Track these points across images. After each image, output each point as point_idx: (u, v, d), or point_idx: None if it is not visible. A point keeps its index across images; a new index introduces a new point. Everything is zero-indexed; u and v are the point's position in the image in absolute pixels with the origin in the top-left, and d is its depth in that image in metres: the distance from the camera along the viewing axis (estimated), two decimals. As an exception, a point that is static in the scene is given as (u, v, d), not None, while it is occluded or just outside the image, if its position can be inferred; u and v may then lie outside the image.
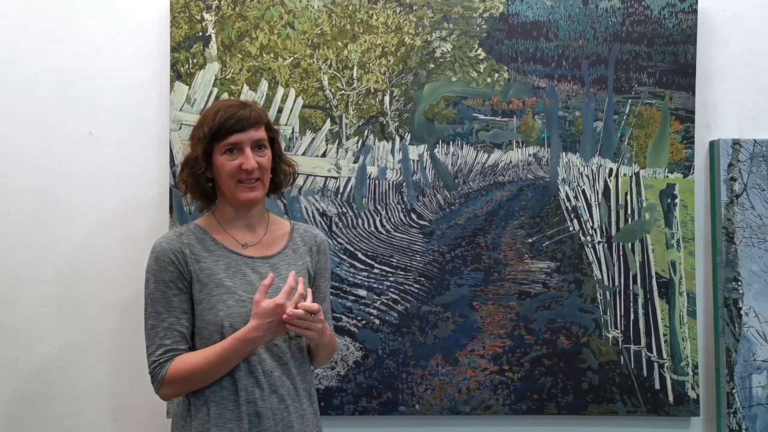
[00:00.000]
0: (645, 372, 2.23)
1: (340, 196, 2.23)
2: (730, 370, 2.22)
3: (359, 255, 2.23)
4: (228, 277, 1.70)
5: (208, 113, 1.72)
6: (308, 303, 1.62)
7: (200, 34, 2.20)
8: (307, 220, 2.21)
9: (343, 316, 2.21)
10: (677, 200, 2.25)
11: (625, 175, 2.26)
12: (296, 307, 1.60)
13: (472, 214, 2.26)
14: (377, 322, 2.22)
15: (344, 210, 2.23)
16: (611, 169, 2.26)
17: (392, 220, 2.25)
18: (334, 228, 2.23)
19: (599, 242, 2.25)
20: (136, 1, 2.23)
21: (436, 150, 2.25)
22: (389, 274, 2.23)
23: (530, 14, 2.25)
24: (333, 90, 2.23)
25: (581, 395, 2.23)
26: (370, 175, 2.24)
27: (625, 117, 2.26)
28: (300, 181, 2.21)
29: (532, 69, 2.26)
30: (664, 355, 2.23)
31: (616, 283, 2.25)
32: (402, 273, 2.23)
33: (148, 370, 1.68)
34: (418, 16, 2.24)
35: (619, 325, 2.24)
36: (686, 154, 2.26)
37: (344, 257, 2.23)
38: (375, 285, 2.23)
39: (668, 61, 2.26)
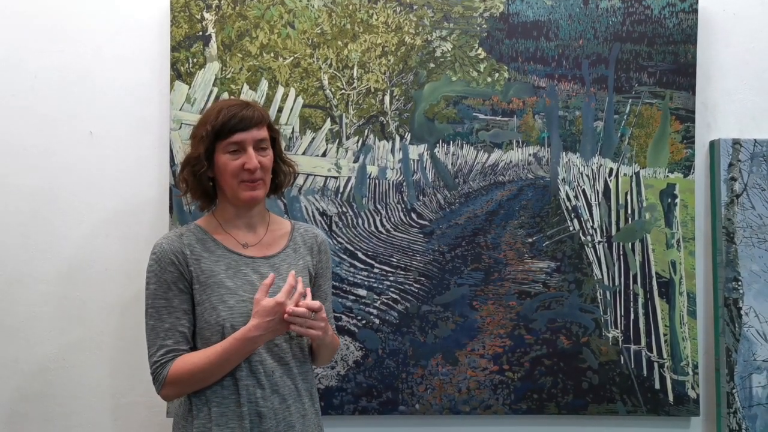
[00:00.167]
0: (645, 372, 2.23)
1: (340, 195, 2.23)
2: (730, 370, 2.22)
3: (359, 254, 2.23)
4: (229, 278, 1.70)
5: (211, 112, 1.71)
6: (309, 301, 1.62)
7: (200, 33, 2.19)
8: (307, 220, 2.21)
9: (343, 316, 2.21)
10: (677, 200, 2.25)
11: (625, 174, 2.26)
12: (297, 305, 1.60)
13: (472, 213, 2.26)
14: (377, 321, 2.22)
15: (344, 209, 2.23)
16: (611, 169, 2.26)
17: (392, 219, 2.25)
18: (334, 227, 2.23)
19: (599, 242, 2.25)
20: (136, 0, 2.23)
21: (436, 149, 2.25)
22: (389, 274, 2.23)
23: (530, 14, 2.25)
24: (333, 89, 2.23)
25: (581, 395, 2.23)
26: (370, 174, 2.24)
27: (625, 117, 2.26)
28: (300, 180, 2.21)
29: (533, 69, 2.26)
30: (664, 355, 2.23)
31: (616, 283, 2.25)
32: (402, 272, 2.23)
33: (149, 371, 1.68)
34: (419, 15, 2.24)
35: (619, 325, 2.24)
36: (686, 154, 2.26)
37: (344, 257, 2.23)
38: (375, 284, 2.23)
39: (668, 60, 2.26)
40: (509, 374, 2.23)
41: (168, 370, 1.65)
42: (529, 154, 2.26)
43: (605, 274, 2.25)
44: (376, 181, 2.24)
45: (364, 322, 2.22)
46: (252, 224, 1.79)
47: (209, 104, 2.17)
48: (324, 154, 2.23)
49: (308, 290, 1.66)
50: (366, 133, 2.23)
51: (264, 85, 2.21)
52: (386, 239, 2.24)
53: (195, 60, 2.19)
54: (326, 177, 2.23)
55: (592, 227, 2.26)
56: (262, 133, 1.72)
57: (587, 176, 2.26)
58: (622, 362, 2.23)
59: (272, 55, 2.21)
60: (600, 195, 2.26)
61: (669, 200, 2.25)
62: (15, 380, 2.21)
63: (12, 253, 2.21)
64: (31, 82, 2.21)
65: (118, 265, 2.21)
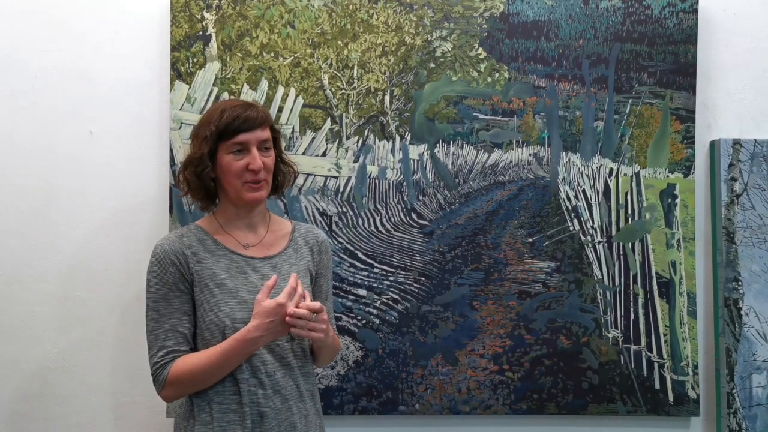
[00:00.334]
0: (645, 372, 2.23)
1: (340, 195, 2.23)
2: (730, 370, 2.22)
3: (359, 254, 2.23)
4: (229, 278, 1.70)
5: (213, 113, 1.71)
6: (310, 302, 1.62)
7: (200, 33, 2.19)
8: (307, 220, 2.21)
9: (343, 316, 2.21)
10: (677, 200, 2.25)
11: (625, 174, 2.26)
12: (298, 307, 1.60)
13: (473, 213, 2.26)
14: (377, 321, 2.22)
15: (344, 209, 2.23)
16: (611, 169, 2.26)
17: (392, 219, 2.24)
18: (334, 227, 2.23)
19: (599, 242, 2.25)
20: (136, 0, 2.22)
21: (436, 149, 2.25)
22: (389, 274, 2.23)
23: (531, 14, 2.25)
24: (333, 89, 2.23)
25: (581, 395, 2.23)
26: (371, 174, 2.24)
27: (625, 117, 2.26)
28: (300, 180, 2.20)
29: (533, 68, 2.26)
30: (664, 355, 2.23)
31: (617, 283, 2.25)
32: (402, 272, 2.23)
33: (150, 372, 1.68)
34: (419, 15, 2.24)
35: (619, 325, 2.24)
36: (687, 154, 2.26)
37: (344, 257, 2.23)
38: (375, 284, 2.23)
39: (669, 60, 2.26)
40: (509, 374, 2.23)
41: (168, 371, 1.65)
42: (529, 154, 2.26)
43: (605, 274, 2.25)
44: (376, 181, 2.24)
45: (364, 322, 2.22)
46: (253, 224, 1.78)
47: (209, 104, 2.17)
48: (324, 154, 2.23)
49: (307, 293, 1.66)
50: (366, 133, 2.23)
51: (264, 84, 2.21)
52: (386, 239, 2.24)
53: (195, 60, 2.19)
54: (326, 177, 2.23)
55: (592, 227, 2.26)
56: (266, 133, 1.72)
57: (587, 176, 2.26)
58: (622, 362, 2.23)
59: (272, 54, 2.21)
60: (600, 195, 2.26)
61: (669, 200, 2.25)
62: (15, 380, 2.21)
63: (12, 253, 2.20)
64: (31, 81, 2.21)
65: (118, 265, 2.21)
